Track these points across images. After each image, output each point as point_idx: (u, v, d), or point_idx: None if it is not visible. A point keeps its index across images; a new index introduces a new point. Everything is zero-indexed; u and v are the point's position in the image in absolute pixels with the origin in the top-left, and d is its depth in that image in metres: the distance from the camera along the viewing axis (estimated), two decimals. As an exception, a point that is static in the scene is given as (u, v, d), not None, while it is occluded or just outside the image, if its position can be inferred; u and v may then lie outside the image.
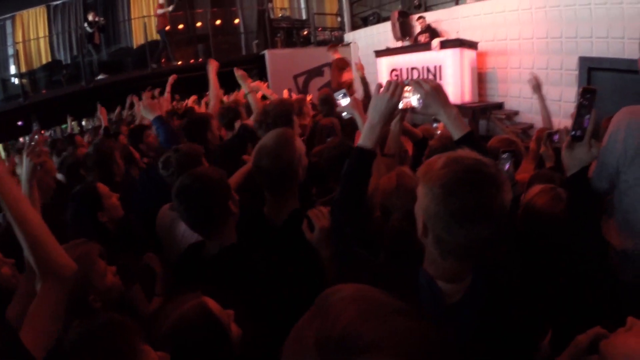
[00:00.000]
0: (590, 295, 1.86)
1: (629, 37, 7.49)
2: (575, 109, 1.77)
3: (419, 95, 1.92)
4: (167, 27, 14.34)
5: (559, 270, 2.01)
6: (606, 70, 7.93)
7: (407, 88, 1.99)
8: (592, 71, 8.25)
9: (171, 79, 6.45)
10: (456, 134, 1.85)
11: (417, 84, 1.91)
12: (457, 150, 1.38)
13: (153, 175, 3.28)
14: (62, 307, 1.65)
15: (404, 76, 11.47)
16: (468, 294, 1.37)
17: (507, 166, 2.79)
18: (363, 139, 1.84)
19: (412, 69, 11.15)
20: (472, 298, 1.37)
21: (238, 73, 4.73)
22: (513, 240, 2.06)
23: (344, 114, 2.93)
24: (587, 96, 1.75)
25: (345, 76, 9.82)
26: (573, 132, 1.79)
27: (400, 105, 1.99)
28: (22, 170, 2.34)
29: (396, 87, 1.84)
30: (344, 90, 3.05)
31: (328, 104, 4.96)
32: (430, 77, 10.51)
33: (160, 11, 13.95)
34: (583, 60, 8.37)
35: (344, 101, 2.89)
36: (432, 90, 1.87)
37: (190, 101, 8.77)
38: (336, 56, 10.29)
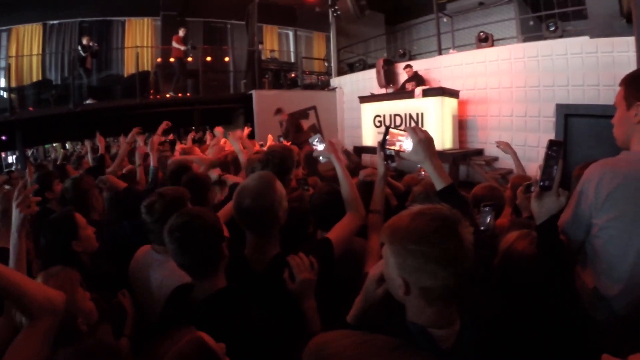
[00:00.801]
0: (567, 335, 1.89)
1: (604, 84, 7.91)
2: (543, 161, 1.85)
3: (411, 141, 2.05)
4: (172, 60, 14.58)
5: (540, 310, 2.04)
6: (582, 116, 8.27)
7: (401, 133, 2.15)
8: (568, 117, 8.58)
9: (164, 124, 6.49)
10: (438, 185, 2.04)
11: (413, 131, 2.04)
12: (415, 205, 1.47)
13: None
14: (52, 335, 1.67)
15: (387, 122, 11.68)
16: (461, 337, 1.40)
17: (488, 219, 2.93)
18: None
19: (395, 115, 11.39)
20: (466, 340, 1.40)
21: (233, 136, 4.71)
22: (489, 280, 2.18)
23: (321, 158, 2.99)
24: (554, 148, 1.84)
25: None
26: (541, 183, 1.85)
27: (396, 148, 2.18)
28: (13, 219, 2.27)
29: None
30: (318, 135, 3.15)
31: (311, 162, 5.01)
32: (413, 123, 10.75)
33: (176, 45, 14.19)
34: (559, 107, 8.73)
35: (320, 146, 2.98)
36: (426, 140, 2.02)
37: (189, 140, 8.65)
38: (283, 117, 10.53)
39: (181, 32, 14.57)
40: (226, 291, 1.97)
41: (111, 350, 1.35)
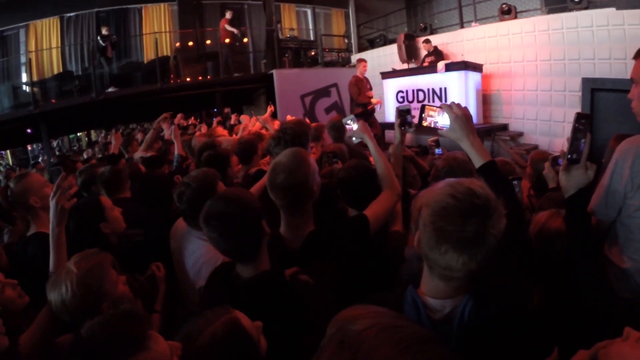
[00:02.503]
0: (592, 312, 1.87)
1: (631, 58, 7.60)
2: (571, 134, 1.83)
3: (445, 117, 1.99)
4: (227, 41, 14.65)
5: (569, 288, 2.03)
6: (609, 90, 8.04)
7: (435, 109, 2.08)
8: (595, 92, 8.36)
9: (178, 117, 6.64)
10: (477, 162, 1.92)
11: (449, 107, 1.96)
12: (461, 178, 1.44)
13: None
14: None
15: (410, 98, 11.59)
16: (456, 311, 1.39)
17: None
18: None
19: (418, 90, 11.28)
20: (460, 316, 1.38)
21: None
22: (522, 266, 2.00)
23: (354, 138, 3.02)
24: (582, 121, 1.81)
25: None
26: (569, 156, 1.83)
27: (425, 124, 2.09)
28: (51, 214, 2.31)
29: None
30: (352, 116, 3.15)
31: (337, 131, 4.99)
32: (436, 99, 10.67)
33: (228, 27, 14.33)
34: (586, 82, 8.49)
35: (353, 126, 2.99)
36: (463, 116, 1.93)
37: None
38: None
39: (228, 15, 14.66)
40: (268, 274, 1.94)
41: (132, 314, 1.35)
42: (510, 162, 3.59)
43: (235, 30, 14.53)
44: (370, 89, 10.16)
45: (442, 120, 2.04)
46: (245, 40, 14.61)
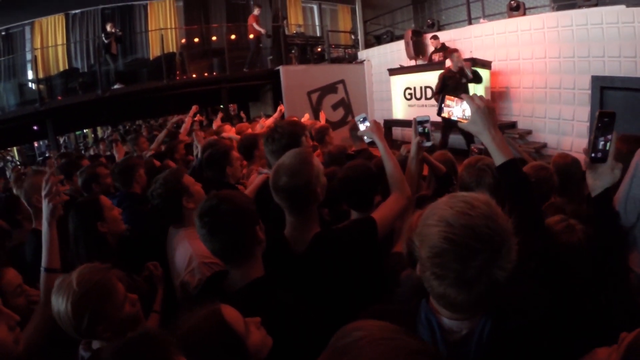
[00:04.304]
0: (612, 317, 1.83)
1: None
2: (594, 132, 1.77)
3: (461, 109, 1.93)
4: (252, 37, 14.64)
5: (581, 295, 2.00)
6: (618, 89, 7.96)
7: (452, 98, 2.02)
8: (604, 90, 8.26)
9: (194, 109, 6.72)
10: (497, 160, 1.83)
11: (470, 98, 1.87)
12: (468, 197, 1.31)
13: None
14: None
15: (417, 95, 11.57)
16: (474, 332, 1.31)
17: None
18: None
19: (426, 87, 11.24)
20: (479, 337, 1.30)
21: None
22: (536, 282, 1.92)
23: (365, 138, 2.97)
24: (605, 119, 1.75)
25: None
26: (592, 155, 1.78)
27: (444, 115, 2.03)
28: (44, 211, 2.33)
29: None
30: (364, 114, 3.10)
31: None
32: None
33: (255, 26, 14.24)
34: (595, 80, 8.40)
35: (364, 125, 2.95)
36: (485, 108, 1.83)
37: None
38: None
39: (256, 11, 14.56)
40: (261, 281, 1.91)
41: (159, 340, 1.26)
42: (548, 169, 3.29)
43: (262, 31, 14.46)
44: None
45: (457, 111, 1.97)
46: (252, 36, 14.55)
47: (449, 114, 2.00)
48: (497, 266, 1.18)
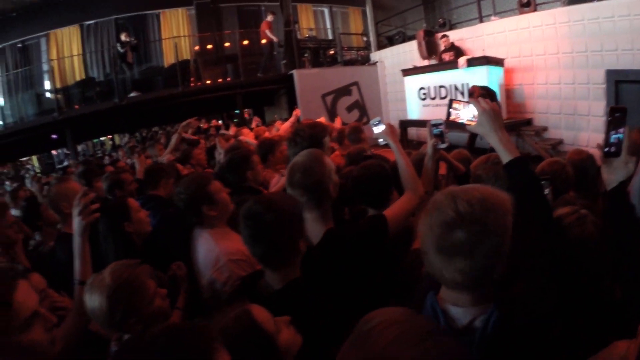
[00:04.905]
0: (628, 310, 1.80)
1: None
2: (606, 127, 1.79)
3: (468, 111, 1.99)
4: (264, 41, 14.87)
5: (594, 289, 2.01)
6: (633, 82, 7.90)
7: (459, 102, 2.09)
8: (619, 84, 8.20)
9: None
10: (504, 158, 1.86)
11: (476, 101, 1.92)
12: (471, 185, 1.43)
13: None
14: None
15: (432, 95, 11.60)
16: (475, 322, 1.36)
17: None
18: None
19: (440, 87, 11.28)
20: (481, 327, 1.34)
21: None
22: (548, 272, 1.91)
23: (380, 140, 3.04)
24: (616, 114, 1.77)
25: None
26: (606, 149, 1.80)
27: (452, 118, 2.11)
28: (74, 227, 2.36)
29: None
30: (379, 118, 3.18)
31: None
32: (458, 94, 10.65)
33: (268, 33, 14.47)
34: (610, 74, 8.34)
35: (379, 128, 3.01)
36: (490, 110, 1.88)
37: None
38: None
39: (270, 18, 14.72)
40: (297, 283, 1.95)
41: (202, 331, 1.25)
42: (562, 163, 3.33)
43: (275, 39, 14.61)
44: None
45: (464, 114, 2.05)
46: (264, 41, 14.66)
47: (456, 117, 2.11)
48: (476, 240, 1.28)
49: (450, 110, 2.16)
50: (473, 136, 8.98)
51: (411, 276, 2.21)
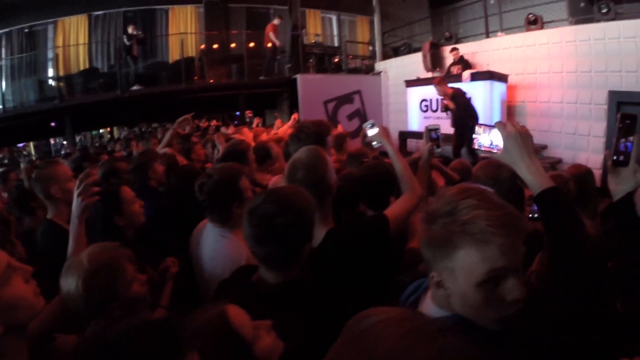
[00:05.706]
0: (630, 324, 1.81)
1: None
2: (615, 134, 1.73)
3: (486, 137, 1.89)
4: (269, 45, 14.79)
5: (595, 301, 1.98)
6: (635, 104, 7.87)
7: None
8: (621, 105, 8.22)
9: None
10: (535, 190, 1.56)
11: (502, 125, 1.64)
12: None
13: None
14: None
15: (434, 107, 11.58)
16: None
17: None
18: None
19: (442, 99, 11.20)
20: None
21: None
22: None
23: (374, 142, 3.06)
24: (627, 122, 1.71)
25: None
26: (615, 158, 1.75)
27: (474, 147, 2.03)
28: (73, 208, 2.32)
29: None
30: (372, 121, 3.17)
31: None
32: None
33: (272, 37, 14.43)
34: (612, 94, 8.36)
35: (373, 130, 3.00)
36: (516, 133, 1.58)
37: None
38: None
39: (276, 21, 14.70)
40: (296, 282, 1.85)
41: (174, 332, 1.12)
42: (567, 178, 3.13)
43: (278, 43, 14.60)
44: None
45: (483, 139, 1.96)
46: (270, 44, 14.69)
47: (474, 143, 2.03)
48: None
49: (473, 137, 2.05)
50: (458, 145, 9.08)
51: (408, 275, 2.20)
